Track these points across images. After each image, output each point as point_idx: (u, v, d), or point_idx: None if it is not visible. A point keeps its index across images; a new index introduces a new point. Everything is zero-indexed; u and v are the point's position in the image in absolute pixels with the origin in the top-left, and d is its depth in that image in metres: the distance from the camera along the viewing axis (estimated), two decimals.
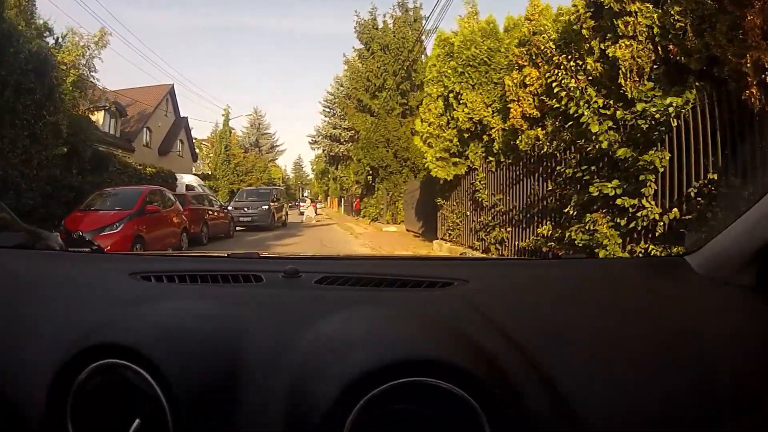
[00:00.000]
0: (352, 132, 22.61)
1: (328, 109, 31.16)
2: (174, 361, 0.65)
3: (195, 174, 21.11)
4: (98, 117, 16.33)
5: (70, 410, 0.66)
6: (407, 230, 12.99)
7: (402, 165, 15.68)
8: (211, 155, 31.20)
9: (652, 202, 3.52)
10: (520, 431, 0.58)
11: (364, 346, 0.66)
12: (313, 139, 33.36)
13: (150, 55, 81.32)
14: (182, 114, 25.55)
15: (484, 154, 6.60)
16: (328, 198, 42.86)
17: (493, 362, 0.64)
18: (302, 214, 20.08)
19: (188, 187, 14.25)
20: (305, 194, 59.79)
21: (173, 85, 24.74)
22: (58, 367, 0.68)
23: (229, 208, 13.66)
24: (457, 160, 7.21)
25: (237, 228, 12.56)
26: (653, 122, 3.45)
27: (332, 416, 0.57)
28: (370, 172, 16.64)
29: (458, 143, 7.10)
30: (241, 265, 1.12)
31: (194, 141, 27.04)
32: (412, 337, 0.69)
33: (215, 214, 10.96)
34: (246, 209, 13.72)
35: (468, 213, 7.18)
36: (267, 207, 13.93)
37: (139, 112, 20.36)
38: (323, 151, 32.00)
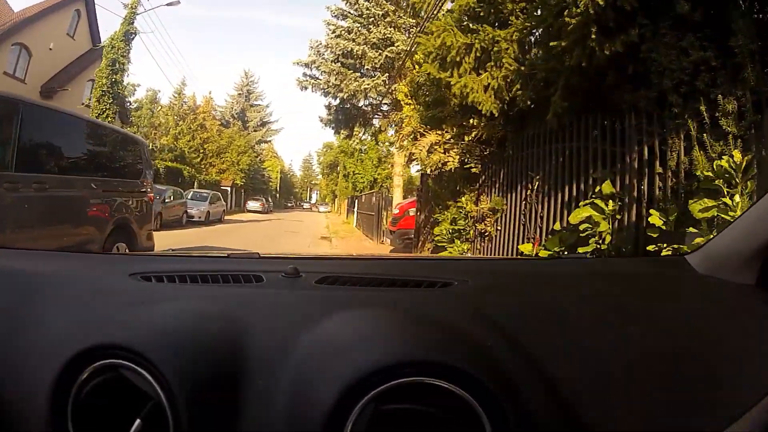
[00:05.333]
0: (397, 46, 9.61)
1: (345, 9, 14.29)
2: (174, 362, 0.65)
3: None
4: None
5: (71, 411, 0.66)
6: None
7: None
8: (170, 122, 17.98)
9: None
10: (521, 431, 0.58)
11: (365, 346, 0.66)
12: (307, 73, 14.75)
13: None
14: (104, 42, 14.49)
15: None
16: (336, 201, 30.83)
17: (494, 362, 0.64)
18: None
19: None
20: (314, 196, 56.05)
21: None
22: (58, 368, 0.68)
23: None
24: None
25: None
26: None
27: (333, 416, 0.57)
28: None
29: None
30: (242, 265, 1.13)
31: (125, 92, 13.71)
32: (412, 337, 0.69)
33: None
34: None
35: None
36: None
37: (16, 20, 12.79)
38: (326, 95, 14.44)
